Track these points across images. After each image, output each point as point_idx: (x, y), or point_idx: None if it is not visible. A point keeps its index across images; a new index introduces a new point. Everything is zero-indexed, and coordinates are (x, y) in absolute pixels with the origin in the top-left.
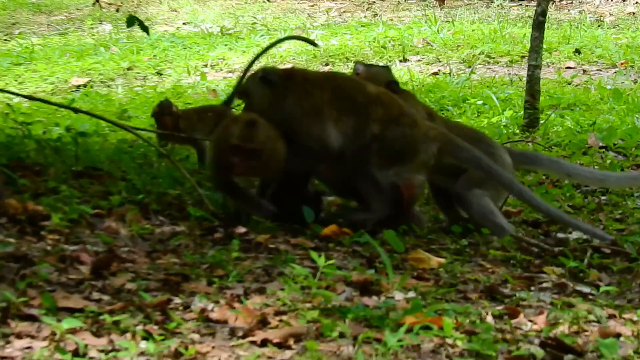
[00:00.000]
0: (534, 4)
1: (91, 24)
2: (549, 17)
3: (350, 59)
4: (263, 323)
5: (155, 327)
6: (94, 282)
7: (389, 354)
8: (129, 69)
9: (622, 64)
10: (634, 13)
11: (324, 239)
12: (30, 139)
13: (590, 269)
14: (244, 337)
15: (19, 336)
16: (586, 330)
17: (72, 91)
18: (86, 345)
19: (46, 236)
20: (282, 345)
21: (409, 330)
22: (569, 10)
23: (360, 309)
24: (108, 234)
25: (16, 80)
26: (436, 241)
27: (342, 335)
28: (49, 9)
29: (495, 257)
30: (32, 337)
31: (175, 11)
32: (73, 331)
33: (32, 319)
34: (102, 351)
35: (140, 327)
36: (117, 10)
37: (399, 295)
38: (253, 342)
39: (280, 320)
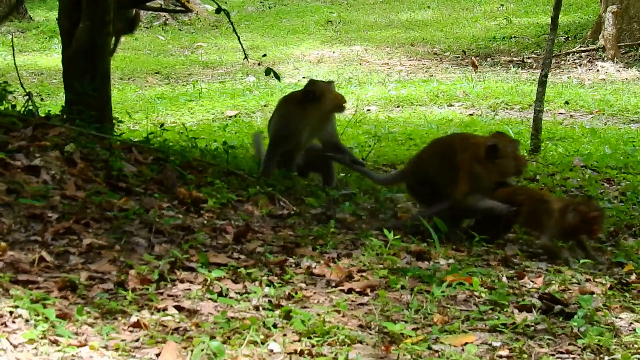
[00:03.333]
0: (538, 70)
1: (241, 76)
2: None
3: (414, 104)
4: (349, 277)
5: (275, 278)
6: (235, 246)
7: (435, 301)
8: (265, 105)
9: (596, 112)
10: (604, 79)
11: None
12: (196, 149)
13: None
14: (336, 286)
15: (181, 281)
16: (570, 289)
17: (227, 119)
18: (227, 289)
19: (204, 214)
20: (362, 293)
21: (449, 285)
22: (560, 76)
23: (416, 270)
24: (246, 214)
25: (189, 111)
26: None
27: (403, 287)
28: (213, 65)
29: (509, 238)
30: (191, 282)
31: (297, 69)
32: (219, 279)
33: (191, 269)
34: (238, 293)
35: (265, 278)
36: (259, 64)
37: (442, 261)
38: (342, 290)
39: (361, 276)
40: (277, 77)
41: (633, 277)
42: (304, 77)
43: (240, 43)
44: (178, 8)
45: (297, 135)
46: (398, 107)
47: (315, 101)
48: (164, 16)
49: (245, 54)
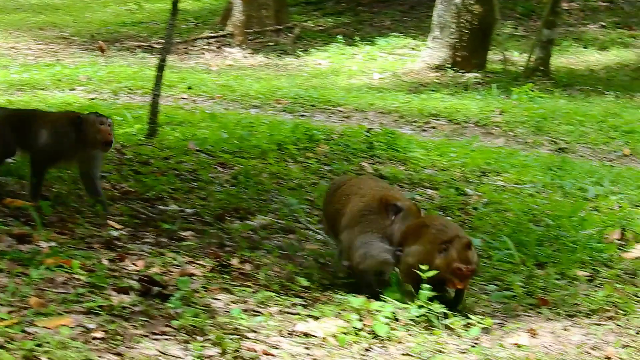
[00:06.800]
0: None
1: None
2: (173, 64)
3: (36, 88)
4: None
5: None
6: None
7: (32, 284)
8: None
9: (218, 97)
10: (231, 65)
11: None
12: None
13: (179, 230)
14: None
15: None
16: (172, 271)
17: None
18: None
19: None
20: None
21: (48, 268)
22: (188, 61)
23: (17, 253)
24: None
25: None
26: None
27: (1, 270)
28: None
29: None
30: None
31: None
32: None
33: None
34: None
35: None
36: None
37: (44, 244)
38: None
39: None
40: None
41: (235, 261)
42: None
43: None
44: None
45: (67, 159)
46: (19, 90)
47: (80, 131)
48: None
49: None
